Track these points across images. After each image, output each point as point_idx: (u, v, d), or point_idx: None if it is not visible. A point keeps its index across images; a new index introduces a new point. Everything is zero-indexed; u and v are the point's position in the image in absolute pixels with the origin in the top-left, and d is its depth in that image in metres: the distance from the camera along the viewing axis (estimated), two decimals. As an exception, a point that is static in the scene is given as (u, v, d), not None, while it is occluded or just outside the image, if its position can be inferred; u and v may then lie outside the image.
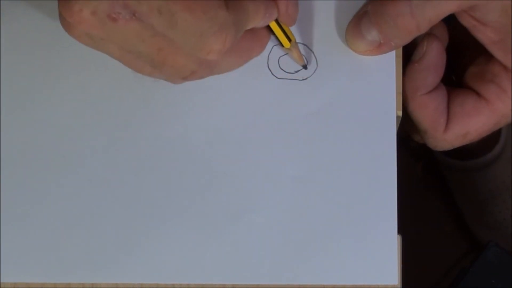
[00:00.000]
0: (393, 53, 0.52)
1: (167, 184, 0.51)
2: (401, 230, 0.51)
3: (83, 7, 0.44)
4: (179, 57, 0.46)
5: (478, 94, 0.54)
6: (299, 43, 0.53)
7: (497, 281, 0.59)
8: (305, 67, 0.52)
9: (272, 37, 0.52)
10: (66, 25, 0.46)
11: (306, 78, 0.53)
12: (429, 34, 0.52)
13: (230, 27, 0.45)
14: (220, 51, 0.45)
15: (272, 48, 0.53)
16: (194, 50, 0.45)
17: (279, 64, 0.53)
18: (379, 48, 0.51)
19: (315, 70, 0.53)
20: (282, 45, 0.51)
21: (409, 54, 0.53)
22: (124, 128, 0.52)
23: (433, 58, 0.52)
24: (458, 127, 0.53)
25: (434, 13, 0.50)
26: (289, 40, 0.51)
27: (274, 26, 0.50)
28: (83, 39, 0.46)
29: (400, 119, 0.53)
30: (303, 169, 0.51)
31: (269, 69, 0.53)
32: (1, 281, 0.50)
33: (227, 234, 0.51)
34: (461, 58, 0.56)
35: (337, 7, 0.53)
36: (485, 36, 0.51)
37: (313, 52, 0.53)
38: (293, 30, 0.52)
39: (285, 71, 0.53)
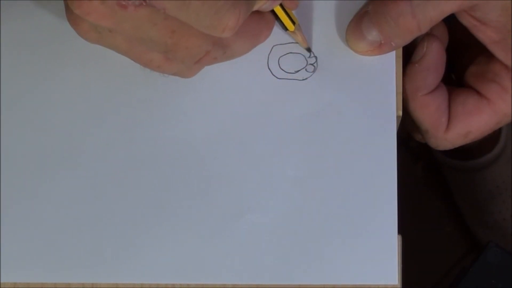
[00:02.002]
0: (393, 53, 0.52)
1: (167, 184, 0.51)
2: (401, 230, 0.51)
3: None
4: (193, 38, 0.46)
5: (479, 93, 0.54)
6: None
7: (497, 281, 0.59)
8: (309, 50, 0.52)
9: (272, 35, 0.52)
10: (73, 19, 0.45)
11: (306, 78, 0.53)
12: (429, 35, 0.52)
13: (242, 3, 0.45)
14: (234, 27, 0.45)
15: (272, 48, 0.53)
16: (209, 29, 0.45)
17: (279, 64, 0.53)
18: (380, 48, 0.51)
19: (315, 70, 0.53)
20: (286, 29, 0.51)
21: (409, 54, 0.53)
22: (124, 128, 0.52)
23: (434, 58, 0.52)
24: (459, 127, 0.53)
25: (435, 13, 0.50)
26: (293, 23, 0.51)
27: (278, 10, 0.50)
28: (89, 35, 0.46)
29: (400, 119, 0.53)
30: (303, 169, 0.51)
31: (269, 69, 0.53)
32: (1, 281, 0.50)
33: (227, 234, 0.51)
34: (461, 58, 0.56)
35: (337, 7, 0.53)
36: (486, 35, 0.51)
37: (313, 52, 0.53)
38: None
39: (285, 71, 0.53)
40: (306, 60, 0.53)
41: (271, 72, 0.53)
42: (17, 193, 0.51)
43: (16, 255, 0.51)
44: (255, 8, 0.48)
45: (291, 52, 0.53)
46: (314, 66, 0.53)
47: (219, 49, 0.48)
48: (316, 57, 0.53)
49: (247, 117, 0.52)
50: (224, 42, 0.48)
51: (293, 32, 0.52)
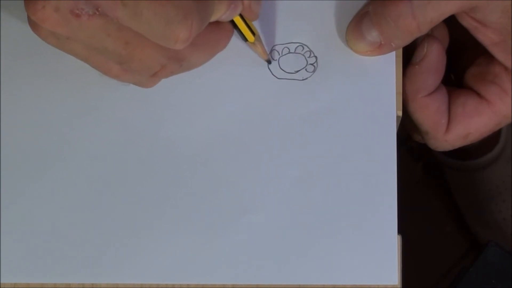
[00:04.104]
0: (393, 53, 0.52)
1: (167, 184, 0.51)
2: (401, 230, 0.51)
3: (46, 4, 0.43)
4: (147, 50, 0.46)
5: (479, 95, 0.54)
6: (299, 43, 0.53)
7: (497, 281, 0.59)
8: (269, 61, 0.52)
9: (271, 35, 0.52)
10: (32, 24, 0.45)
11: (306, 78, 0.53)
12: (429, 36, 0.52)
13: (195, 15, 0.45)
14: (187, 39, 0.45)
15: (272, 48, 0.53)
16: (161, 40, 0.45)
17: (279, 64, 0.53)
18: (380, 48, 0.51)
19: (315, 70, 0.53)
20: (246, 40, 0.51)
21: (409, 55, 0.53)
22: (124, 128, 0.52)
23: (434, 60, 0.52)
24: (459, 128, 0.53)
25: (435, 14, 0.50)
26: (253, 34, 0.51)
27: (238, 20, 0.50)
28: (49, 40, 0.46)
29: (400, 119, 0.53)
30: (303, 169, 0.51)
31: (269, 69, 0.53)
32: (1, 281, 0.50)
33: (227, 234, 0.51)
34: (461, 59, 0.56)
35: (337, 7, 0.53)
36: (486, 37, 0.51)
37: (313, 52, 0.53)
38: (293, 29, 0.52)
39: (285, 71, 0.53)
40: (306, 60, 0.53)
41: (271, 72, 0.53)
42: (17, 193, 0.51)
43: (16, 255, 0.51)
44: (213, 19, 0.48)
45: (291, 52, 0.53)
46: (314, 66, 0.53)
47: (175, 62, 0.48)
48: (316, 57, 0.53)
49: (247, 117, 0.52)
50: (179, 55, 0.48)
51: (253, 43, 0.51)
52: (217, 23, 0.49)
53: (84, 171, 0.51)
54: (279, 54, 0.53)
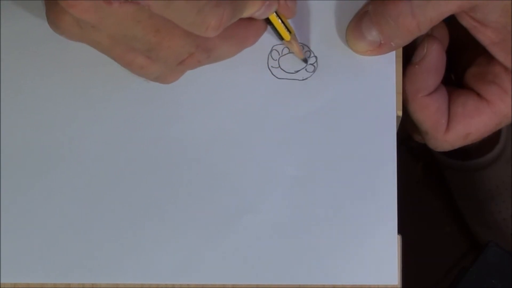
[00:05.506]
0: (393, 53, 0.52)
1: (167, 184, 0.51)
2: (401, 230, 0.51)
3: None
4: (176, 38, 0.46)
5: (479, 95, 0.54)
6: (300, 43, 0.53)
7: (497, 281, 0.59)
8: (305, 60, 0.52)
9: (271, 35, 0.52)
10: (56, 13, 0.45)
11: (306, 78, 0.53)
12: (429, 36, 0.52)
13: (227, 5, 0.45)
14: (218, 27, 0.45)
15: (272, 48, 0.53)
16: (192, 27, 0.45)
17: (279, 64, 0.53)
18: (380, 48, 0.51)
19: (315, 70, 0.53)
20: (281, 39, 0.51)
21: (409, 55, 0.53)
22: (124, 127, 0.52)
23: (434, 60, 0.52)
24: (459, 128, 0.53)
25: (435, 14, 0.50)
26: (289, 32, 0.51)
27: (273, 18, 0.50)
28: (72, 30, 0.46)
29: (400, 119, 0.53)
30: (303, 169, 0.51)
31: (269, 69, 0.53)
32: (1, 281, 0.50)
33: (227, 234, 0.51)
34: (461, 59, 0.56)
35: (337, 7, 0.53)
36: (486, 37, 0.51)
37: (313, 52, 0.53)
38: (294, 29, 0.52)
39: (285, 71, 0.53)
40: (306, 60, 0.53)
41: (271, 72, 0.53)
42: (17, 193, 0.51)
43: (16, 255, 0.51)
44: (247, 14, 0.48)
45: (291, 52, 0.53)
46: (314, 66, 0.53)
47: (203, 52, 0.48)
48: (316, 57, 0.53)
49: (247, 117, 0.52)
50: (208, 45, 0.48)
51: (288, 42, 0.51)
52: (251, 18, 0.49)
53: (84, 171, 0.51)
54: (279, 54, 0.53)
